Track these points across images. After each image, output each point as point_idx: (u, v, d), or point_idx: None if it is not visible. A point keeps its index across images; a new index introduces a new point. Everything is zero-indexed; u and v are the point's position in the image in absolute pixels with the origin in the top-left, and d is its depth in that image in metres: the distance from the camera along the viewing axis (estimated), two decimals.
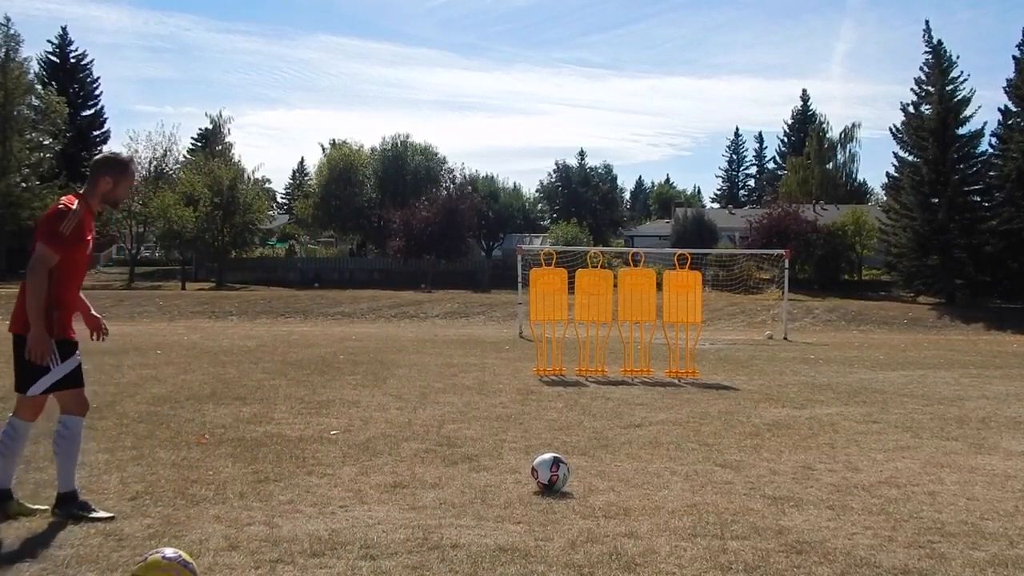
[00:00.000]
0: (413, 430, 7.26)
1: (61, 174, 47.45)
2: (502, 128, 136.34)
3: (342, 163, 52.90)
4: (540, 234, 53.66)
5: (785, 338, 22.69)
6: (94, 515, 4.41)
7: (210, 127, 63.05)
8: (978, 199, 37.74)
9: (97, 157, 4.84)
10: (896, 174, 39.24)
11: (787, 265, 24.80)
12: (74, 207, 4.45)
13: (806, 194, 59.64)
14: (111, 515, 4.45)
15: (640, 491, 5.24)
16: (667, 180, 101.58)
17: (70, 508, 4.43)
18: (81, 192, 4.63)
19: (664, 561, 3.92)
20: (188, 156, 53.82)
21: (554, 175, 64.76)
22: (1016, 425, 8.13)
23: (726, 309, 31.82)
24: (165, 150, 48.34)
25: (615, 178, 65.88)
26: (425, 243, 44.57)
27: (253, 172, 53.25)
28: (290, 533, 4.24)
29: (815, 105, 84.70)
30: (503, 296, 33.89)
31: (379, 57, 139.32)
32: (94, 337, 4.85)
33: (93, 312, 4.85)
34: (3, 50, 46.59)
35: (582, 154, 67.14)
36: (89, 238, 4.60)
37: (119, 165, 4.69)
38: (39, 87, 50.22)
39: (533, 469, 5.24)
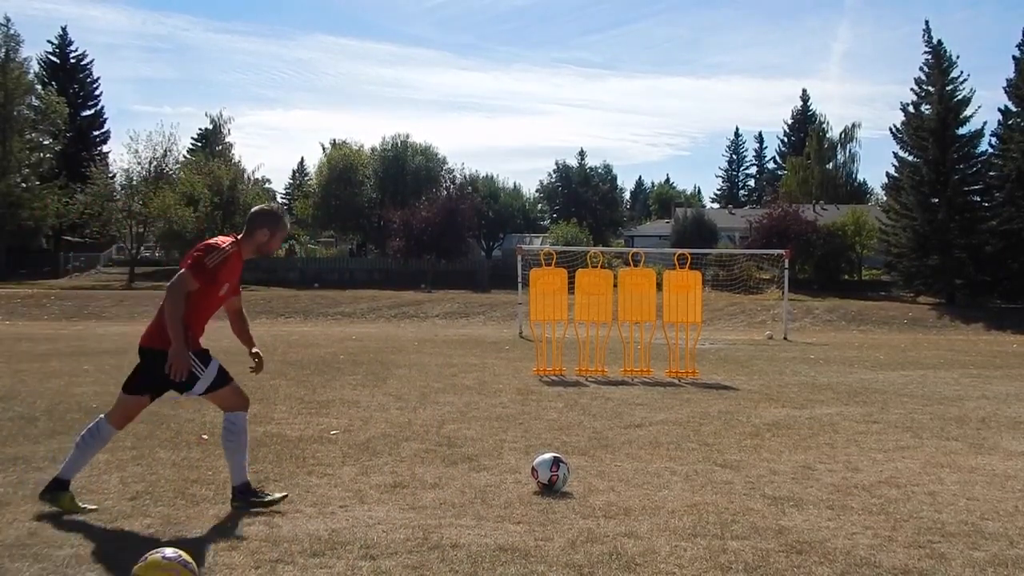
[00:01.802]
0: (413, 430, 7.26)
1: (61, 174, 47.45)
2: (501, 128, 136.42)
3: (342, 163, 52.92)
4: (540, 234, 53.68)
5: (785, 338, 22.70)
6: (269, 499, 4.72)
7: (210, 127, 63.08)
8: (978, 199, 37.72)
9: (256, 208, 5.05)
10: (896, 174, 39.24)
11: (787, 265, 24.81)
12: (225, 246, 4.72)
13: (806, 194, 59.66)
14: (284, 494, 4.83)
15: (640, 491, 5.24)
16: (667, 180, 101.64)
17: (247, 497, 4.70)
18: (239, 237, 4.87)
19: (664, 561, 3.92)
20: (188, 156, 53.78)
21: (554, 175, 64.85)
22: (1016, 425, 8.13)
23: (726, 309, 31.83)
24: (165, 150, 48.30)
25: (615, 178, 65.98)
26: (425, 243, 44.57)
27: (253, 172, 53.31)
28: (290, 533, 4.24)
29: (814, 105, 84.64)
30: (503, 296, 33.88)
31: (377, 57, 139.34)
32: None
33: (256, 349, 5.29)
34: (3, 50, 46.60)
35: (582, 154, 67.27)
36: (227, 283, 4.82)
37: (276, 219, 4.95)
38: (39, 87, 50.22)
39: (533, 469, 5.24)
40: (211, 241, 4.79)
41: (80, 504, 4.59)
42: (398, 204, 48.38)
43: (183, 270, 4.64)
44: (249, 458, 4.94)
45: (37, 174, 48.25)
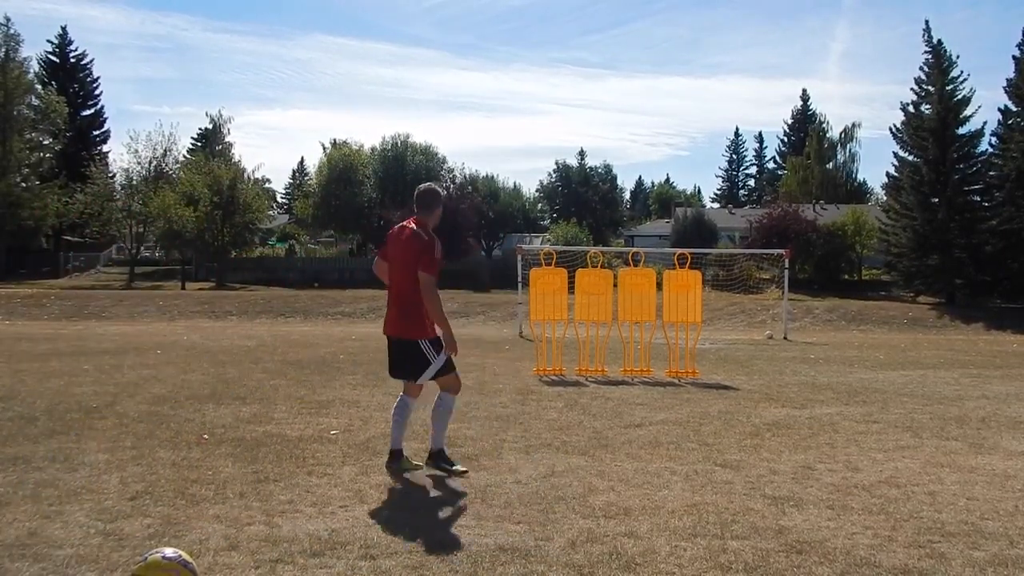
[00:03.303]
0: (413, 430, 7.24)
1: (61, 174, 47.47)
2: (500, 128, 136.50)
3: (342, 163, 52.90)
4: (540, 234, 53.68)
5: (785, 338, 22.69)
6: (455, 468, 5.60)
7: (210, 127, 63.07)
8: (978, 199, 37.69)
9: (431, 188, 5.88)
10: (896, 174, 39.22)
11: (787, 265, 24.80)
12: (432, 236, 5.62)
13: (806, 194, 59.66)
14: (465, 469, 5.61)
15: (640, 491, 5.24)
16: (667, 180, 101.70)
17: (438, 462, 5.63)
18: (422, 219, 5.69)
19: (664, 561, 3.92)
20: (188, 156, 53.78)
21: (554, 175, 64.87)
22: (1016, 425, 8.13)
23: (726, 309, 31.82)
24: (165, 150, 48.32)
25: (615, 178, 66.00)
26: None
27: (253, 172, 53.29)
28: (290, 533, 4.24)
29: (814, 105, 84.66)
30: (503, 296, 33.88)
31: (376, 57, 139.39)
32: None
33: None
34: (3, 50, 46.64)
35: (582, 154, 67.30)
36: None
37: (441, 198, 5.90)
38: (39, 87, 50.24)
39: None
40: (424, 237, 5.52)
41: (415, 462, 5.67)
42: (398, 204, 48.31)
43: (426, 275, 5.43)
44: (445, 433, 5.91)
45: (37, 174, 48.27)
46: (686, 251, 13.63)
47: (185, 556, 3.49)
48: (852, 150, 68.12)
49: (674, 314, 12.24)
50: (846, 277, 43.85)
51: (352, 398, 9.13)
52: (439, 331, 5.56)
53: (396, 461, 5.64)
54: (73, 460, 5.81)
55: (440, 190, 5.95)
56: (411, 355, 5.59)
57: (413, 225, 5.67)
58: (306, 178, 78.80)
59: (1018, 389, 11.18)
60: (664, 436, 7.16)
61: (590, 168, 65.14)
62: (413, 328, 5.56)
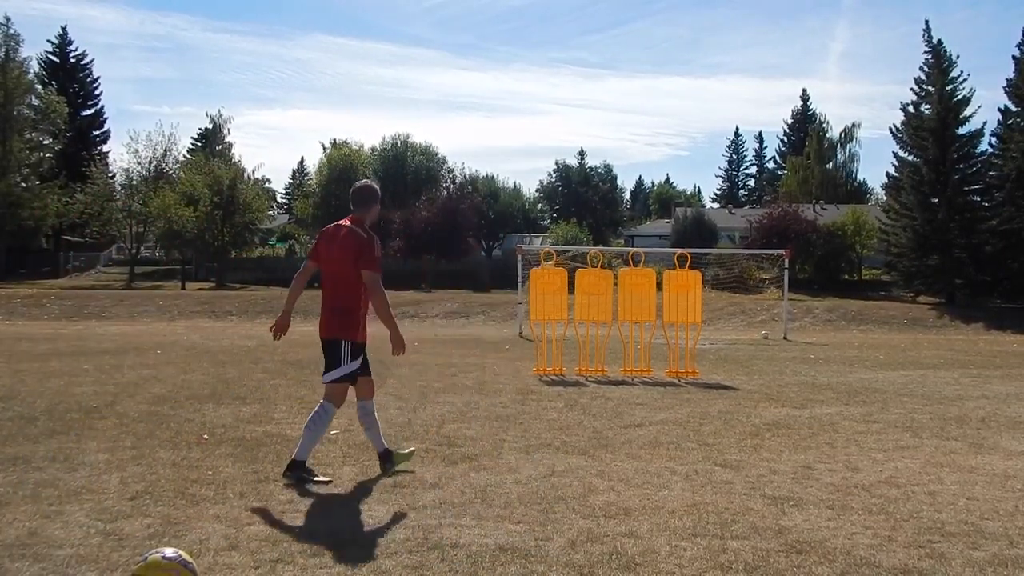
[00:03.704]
0: (413, 430, 7.26)
1: (61, 174, 47.47)
2: (500, 128, 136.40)
3: (342, 163, 52.92)
4: (540, 234, 53.70)
5: (785, 338, 22.69)
6: (318, 479, 5.31)
7: (210, 127, 63.08)
8: (978, 199, 37.68)
9: (367, 185, 5.71)
10: (896, 174, 39.21)
11: (787, 265, 24.80)
12: (371, 234, 5.47)
13: (806, 194, 59.66)
14: (329, 479, 5.35)
15: (640, 491, 5.24)
16: (667, 180, 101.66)
17: (299, 473, 5.27)
18: (359, 217, 5.54)
19: (664, 561, 3.92)
20: (188, 156, 53.80)
21: (554, 175, 64.95)
22: (1016, 425, 8.13)
23: (726, 309, 31.82)
24: (165, 150, 48.33)
25: (615, 178, 66.11)
26: (425, 243, 44.56)
27: (253, 172, 53.30)
28: (290, 533, 4.24)
29: (814, 105, 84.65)
30: (503, 296, 33.89)
31: (376, 57, 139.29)
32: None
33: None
34: (3, 50, 46.65)
35: (582, 154, 67.27)
36: None
37: (378, 195, 5.68)
38: (39, 87, 50.24)
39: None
40: (363, 235, 5.39)
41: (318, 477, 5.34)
42: (398, 204, 48.40)
43: (369, 273, 5.35)
44: (315, 446, 5.58)
45: (37, 174, 48.29)
46: (686, 251, 13.63)
47: (185, 556, 3.49)
48: (852, 150, 68.18)
49: (674, 314, 12.24)
50: (846, 277, 43.86)
51: (352, 398, 9.12)
52: (388, 333, 5.46)
53: (388, 462, 5.59)
54: (73, 460, 5.81)
55: (376, 186, 5.75)
56: (331, 353, 5.41)
57: (349, 223, 5.49)
58: (306, 178, 78.77)
59: (1018, 389, 11.18)
60: (664, 436, 7.16)
61: (590, 168, 65.23)
62: (342, 328, 5.38)
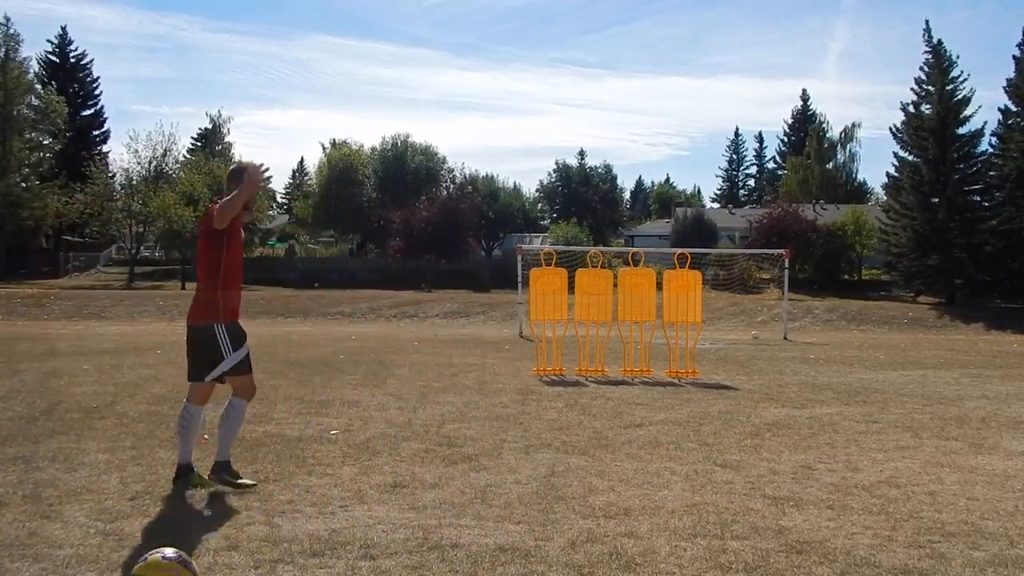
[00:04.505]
0: (413, 430, 7.26)
1: (61, 174, 47.43)
2: (500, 128, 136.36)
3: (342, 163, 52.92)
4: (540, 234, 53.70)
5: (785, 338, 22.70)
6: (241, 482, 5.12)
7: (209, 127, 63.06)
8: (978, 199, 37.72)
9: (232, 167, 5.56)
10: (896, 174, 39.24)
11: (787, 265, 24.81)
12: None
13: (806, 194, 59.65)
14: (254, 483, 5.16)
15: (640, 491, 5.24)
16: (667, 180, 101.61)
17: (222, 474, 5.12)
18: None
19: (664, 561, 3.92)
20: (188, 156, 53.78)
21: (554, 175, 64.88)
22: (1016, 425, 8.13)
23: (726, 309, 31.83)
24: (165, 150, 48.30)
25: (615, 178, 65.97)
26: (425, 243, 44.56)
27: None
28: (290, 533, 4.24)
29: (814, 105, 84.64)
30: (503, 296, 33.89)
31: (376, 57, 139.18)
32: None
33: None
34: (3, 50, 46.59)
35: (582, 154, 67.26)
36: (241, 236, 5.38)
37: (237, 173, 5.37)
38: (39, 87, 50.20)
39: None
40: (209, 209, 5.24)
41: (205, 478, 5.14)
42: (398, 204, 48.41)
43: (216, 208, 5.09)
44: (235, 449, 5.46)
45: (37, 174, 48.24)
46: (686, 251, 13.63)
47: (185, 556, 3.49)
48: (852, 150, 68.16)
49: (674, 314, 12.24)
50: (846, 277, 43.86)
51: (352, 398, 9.13)
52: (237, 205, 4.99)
53: (184, 477, 5.14)
54: (73, 460, 5.81)
55: (239, 166, 5.52)
56: (205, 344, 5.13)
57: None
58: (306, 178, 78.79)
59: (1018, 389, 11.18)
60: (664, 436, 7.16)
61: (590, 168, 65.17)
62: (205, 311, 5.12)
